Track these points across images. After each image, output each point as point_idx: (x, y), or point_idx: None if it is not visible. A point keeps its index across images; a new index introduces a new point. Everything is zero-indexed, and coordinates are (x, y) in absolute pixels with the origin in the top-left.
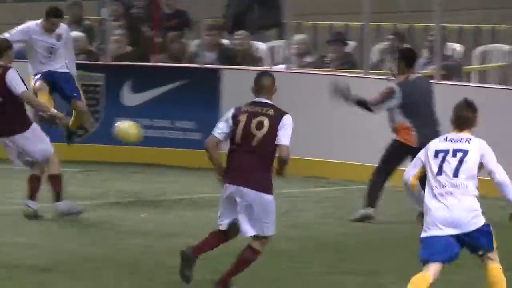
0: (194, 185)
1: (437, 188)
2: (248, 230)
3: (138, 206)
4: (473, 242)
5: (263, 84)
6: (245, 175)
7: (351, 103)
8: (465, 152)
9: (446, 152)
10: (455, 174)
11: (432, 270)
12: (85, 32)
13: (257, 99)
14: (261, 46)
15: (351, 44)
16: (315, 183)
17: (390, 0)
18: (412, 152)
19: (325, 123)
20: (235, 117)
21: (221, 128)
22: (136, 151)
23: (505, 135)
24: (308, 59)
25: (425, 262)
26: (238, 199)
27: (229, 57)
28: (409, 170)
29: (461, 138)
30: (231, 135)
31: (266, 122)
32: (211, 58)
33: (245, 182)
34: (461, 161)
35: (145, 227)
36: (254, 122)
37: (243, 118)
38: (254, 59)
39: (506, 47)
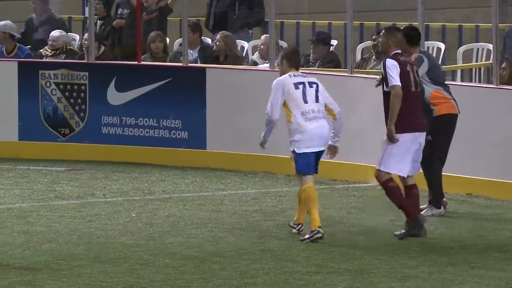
0: (181, 184)
1: (308, 113)
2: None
3: (125, 205)
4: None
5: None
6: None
7: None
8: (317, 83)
9: (303, 84)
10: (317, 100)
11: (311, 179)
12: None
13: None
14: (244, 45)
15: (334, 43)
16: None
17: None
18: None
19: None
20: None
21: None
22: (121, 150)
23: None
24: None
25: (305, 173)
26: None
27: (210, 56)
28: (276, 110)
29: (305, 74)
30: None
31: None
32: (192, 56)
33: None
34: (317, 90)
35: (134, 226)
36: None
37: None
38: (236, 58)
39: (489, 45)
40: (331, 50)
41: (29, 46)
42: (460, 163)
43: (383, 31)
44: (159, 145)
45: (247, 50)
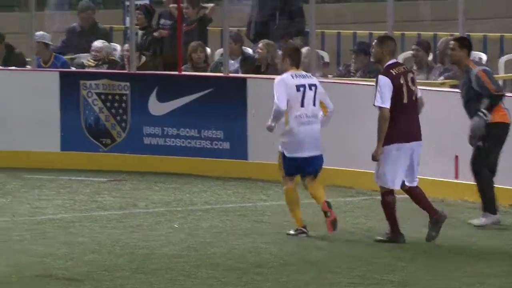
0: (222, 195)
1: (302, 117)
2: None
3: (167, 216)
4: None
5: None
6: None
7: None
8: (316, 85)
9: (304, 86)
10: (314, 103)
11: (293, 180)
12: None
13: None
14: None
15: None
16: (344, 193)
17: (413, 9)
18: (508, 130)
19: (353, 132)
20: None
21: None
22: (163, 160)
23: None
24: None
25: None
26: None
27: (251, 66)
28: (283, 101)
29: (306, 74)
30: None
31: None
32: (233, 67)
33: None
34: (315, 93)
35: (176, 236)
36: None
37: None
38: (277, 68)
39: None
40: (372, 60)
41: (71, 57)
42: (503, 173)
43: (376, 40)
44: (201, 155)
45: None
